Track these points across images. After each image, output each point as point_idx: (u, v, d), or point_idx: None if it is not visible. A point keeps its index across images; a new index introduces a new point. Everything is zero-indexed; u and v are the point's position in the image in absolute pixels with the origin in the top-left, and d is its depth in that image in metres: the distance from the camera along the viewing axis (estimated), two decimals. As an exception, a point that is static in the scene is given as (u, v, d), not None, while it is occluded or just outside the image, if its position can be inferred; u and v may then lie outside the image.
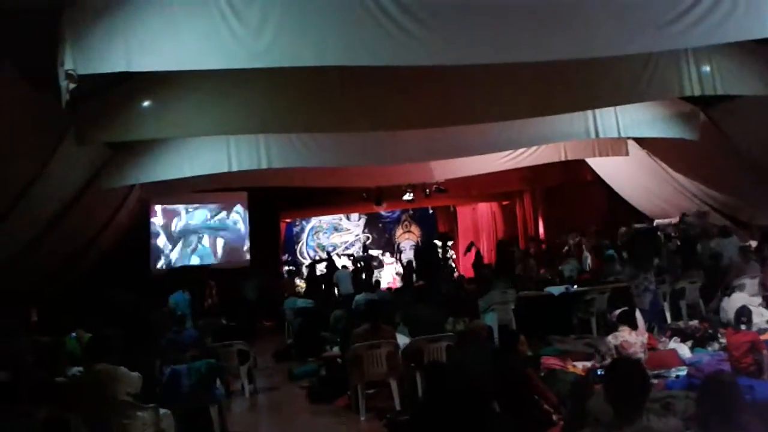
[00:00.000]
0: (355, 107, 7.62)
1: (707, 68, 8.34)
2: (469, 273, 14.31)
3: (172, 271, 14.23)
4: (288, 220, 17.83)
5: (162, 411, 4.97)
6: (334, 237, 18.62)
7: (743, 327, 6.11)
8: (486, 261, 15.58)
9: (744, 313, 6.25)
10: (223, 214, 15.48)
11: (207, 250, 15.27)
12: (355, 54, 5.59)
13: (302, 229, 18.74)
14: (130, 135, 7.69)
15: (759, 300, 8.00)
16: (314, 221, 18.70)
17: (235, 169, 9.30)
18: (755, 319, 6.66)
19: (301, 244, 18.63)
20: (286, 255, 17.62)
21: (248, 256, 15.27)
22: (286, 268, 16.82)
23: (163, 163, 9.38)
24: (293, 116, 7.70)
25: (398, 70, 6.38)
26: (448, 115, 8.11)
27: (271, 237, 16.03)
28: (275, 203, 15.13)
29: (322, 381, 7.76)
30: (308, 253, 18.33)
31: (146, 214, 14.32)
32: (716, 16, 5.95)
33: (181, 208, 15.08)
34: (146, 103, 7.28)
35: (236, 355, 7.91)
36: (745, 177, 12.24)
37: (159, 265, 14.51)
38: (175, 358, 6.77)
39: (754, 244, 10.90)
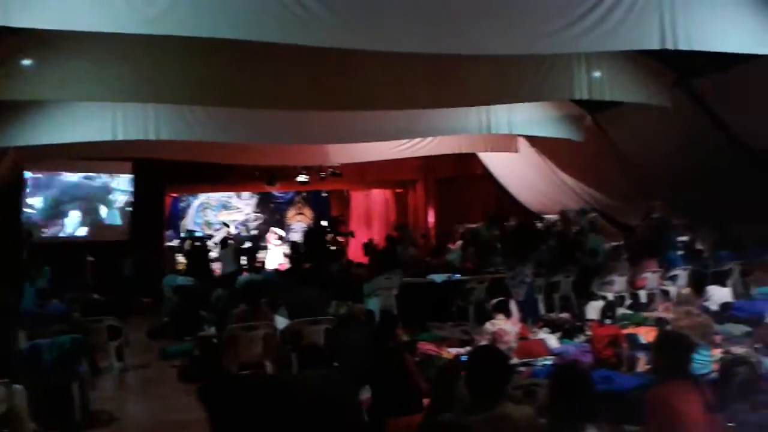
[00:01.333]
0: (251, 84, 7.43)
1: (597, 74, 8.75)
2: (360, 258, 14.36)
3: (43, 243, 13.35)
4: (174, 195, 17.18)
5: (16, 386, 4.66)
6: (222, 215, 18.11)
7: (607, 321, 6.49)
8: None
9: (609, 308, 6.64)
10: (105, 184, 14.70)
11: (84, 222, 14.47)
12: (253, 29, 5.43)
13: (189, 205, 18.11)
14: (7, 94, 7.12)
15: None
16: (203, 197, 18.11)
17: (120, 138, 8.83)
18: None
19: (186, 220, 18.02)
20: (171, 231, 16.98)
21: (128, 230, 14.59)
22: (169, 243, 16.20)
23: (42, 126, 8.75)
24: (185, 88, 7.40)
25: (298, 49, 6.24)
26: (346, 98, 8.08)
27: (155, 211, 15.36)
28: (162, 176, 14.49)
29: (194, 360, 7.55)
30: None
31: (19, 182, 13.33)
32: (608, 25, 6.26)
33: (58, 176, 14.16)
34: (27, 62, 6.77)
35: (106, 331, 7.57)
36: (624, 180, 13.03)
37: (34, 237, 13.55)
38: (38, 332, 6.40)
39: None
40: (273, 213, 18.79)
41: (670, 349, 3.38)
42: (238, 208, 18.42)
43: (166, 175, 14.37)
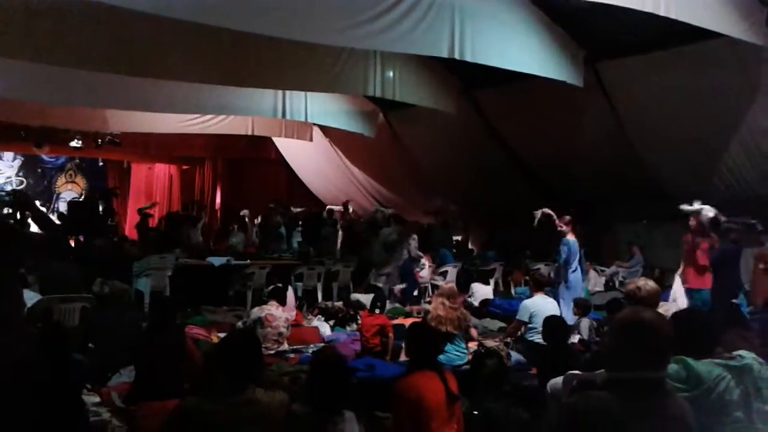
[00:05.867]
0: (21, 32, 6.51)
1: (390, 73, 9.06)
2: (135, 235, 13.46)
3: None
4: None
5: None
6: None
7: (377, 311, 6.73)
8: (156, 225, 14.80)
9: (379, 299, 6.89)
10: None
11: None
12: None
13: (-64, 162, 15.73)
14: None
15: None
16: (-46, 155, 15.82)
17: None
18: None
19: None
20: None
21: None
22: None
23: None
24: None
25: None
26: (129, 62, 7.42)
27: None
28: None
29: None
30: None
31: None
32: (401, 28, 6.49)
33: None
34: None
35: None
36: (408, 178, 13.68)
37: None
38: None
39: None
40: (40, 178, 16.93)
41: (419, 339, 3.54)
42: (-2, 171, 16.32)
43: None
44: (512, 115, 10.81)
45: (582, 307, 7.04)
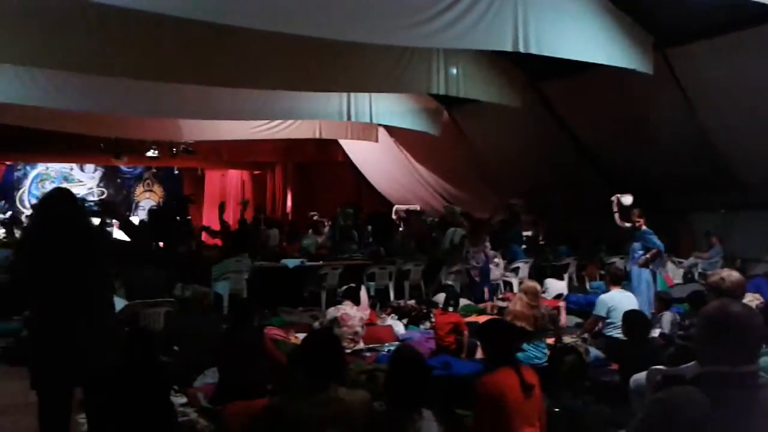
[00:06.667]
0: (96, 47, 6.86)
1: (454, 70, 9.02)
2: (210, 240, 13.87)
3: None
4: (8, 163, 15.69)
5: None
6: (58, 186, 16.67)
7: (450, 309, 6.73)
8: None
9: (452, 297, 6.88)
10: None
11: None
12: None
13: (25, 175, 16.61)
14: None
15: None
16: (41, 167, 16.66)
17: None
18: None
19: (22, 191, 16.53)
20: (3, 202, 15.49)
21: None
22: (1, 215, 14.76)
23: None
24: (18, 47, 6.68)
25: (152, 17, 5.87)
26: (199, 72, 7.69)
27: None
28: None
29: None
30: (30, 203, 16.30)
31: None
32: (464, 24, 6.46)
33: None
34: None
35: None
36: (475, 174, 13.59)
37: None
38: None
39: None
40: (119, 189, 17.69)
41: (494, 335, 3.52)
42: (80, 182, 17.12)
43: (-1, 140, 13.01)
44: (580, 106, 10.59)
45: (664, 300, 6.84)
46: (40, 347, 3.50)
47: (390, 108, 11.17)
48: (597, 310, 6.46)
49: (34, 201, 15.78)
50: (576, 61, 7.59)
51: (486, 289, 9.63)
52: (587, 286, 10.47)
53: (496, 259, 10.32)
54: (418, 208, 14.66)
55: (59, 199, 3.61)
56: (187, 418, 4.58)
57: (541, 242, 13.07)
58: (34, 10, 6.34)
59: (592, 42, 7.59)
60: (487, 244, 9.96)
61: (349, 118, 10.73)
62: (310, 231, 13.22)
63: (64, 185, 16.56)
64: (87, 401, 3.78)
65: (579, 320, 7.77)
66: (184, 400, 4.92)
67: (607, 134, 10.69)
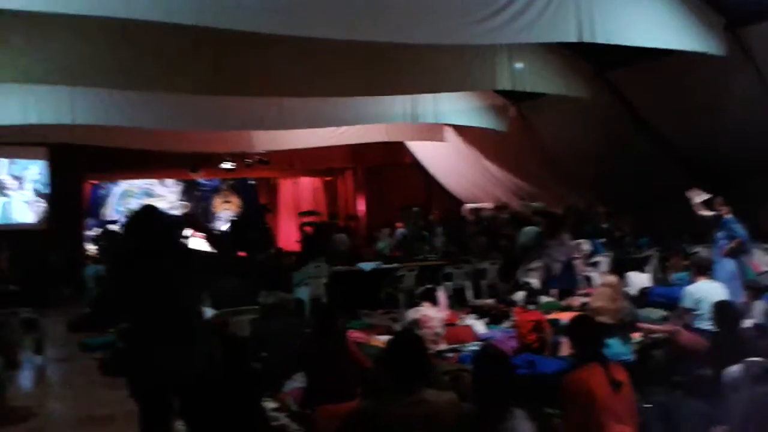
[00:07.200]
0: (169, 68, 7.18)
1: (519, 65, 8.94)
2: (288, 246, 14.24)
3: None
4: (94, 182, 16.52)
5: None
6: (146, 203, 17.43)
7: (531, 307, 6.67)
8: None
9: (532, 294, 6.81)
10: (18, 170, 13.99)
11: (-5, 210, 13.75)
12: (174, 13, 5.26)
13: (110, 193, 17.46)
14: None
15: None
16: (124, 185, 17.47)
17: (34, 121, 8.49)
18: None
19: (108, 208, 17.36)
20: (92, 219, 16.32)
21: (44, 219, 13.95)
22: (91, 232, 15.56)
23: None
24: (104, 71, 7.08)
25: (221, 33, 6.09)
26: (271, 85, 7.95)
27: (73, 199, 14.72)
28: (79, 162, 13.87)
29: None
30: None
31: None
32: (527, 17, 6.41)
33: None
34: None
35: (21, 325, 7.23)
36: (545, 169, 13.38)
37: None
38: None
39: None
40: (199, 201, 18.34)
41: (581, 331, 3.47)
42: (162, 196, 17.83)
43: (84, 161, 13.75)
44: (650, 93, 10.25)
45: (754, 289, 6.57)
46: (138, 358, 3.63)
47: (454, 107, 11.15)
48: (684, 301, 6.26)
49: (119, 217, 16.56)
50: (643, 47, 7.39)
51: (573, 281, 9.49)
52: (671, 278, 10.13)
53: (583, 247, 10.04)
54: (489, 205, 14.54)
55: (149, 217, 3.69)
56: (279, 422, 4.71)
57: (619, 234, 12.73)
58: (110, 33, 6.68)
59: (659, 27, 7.35)
60: (567, 236, 9.76)
61: (415, 119, 10.79)
62: (384, 234, 13.35)
63: (147, 201, 17.31)
64: (184, 409, 3.94)
65: (665, 313, 7.53)
66: (274, 404, 5.06)
67: (680, 120, 10.31)
